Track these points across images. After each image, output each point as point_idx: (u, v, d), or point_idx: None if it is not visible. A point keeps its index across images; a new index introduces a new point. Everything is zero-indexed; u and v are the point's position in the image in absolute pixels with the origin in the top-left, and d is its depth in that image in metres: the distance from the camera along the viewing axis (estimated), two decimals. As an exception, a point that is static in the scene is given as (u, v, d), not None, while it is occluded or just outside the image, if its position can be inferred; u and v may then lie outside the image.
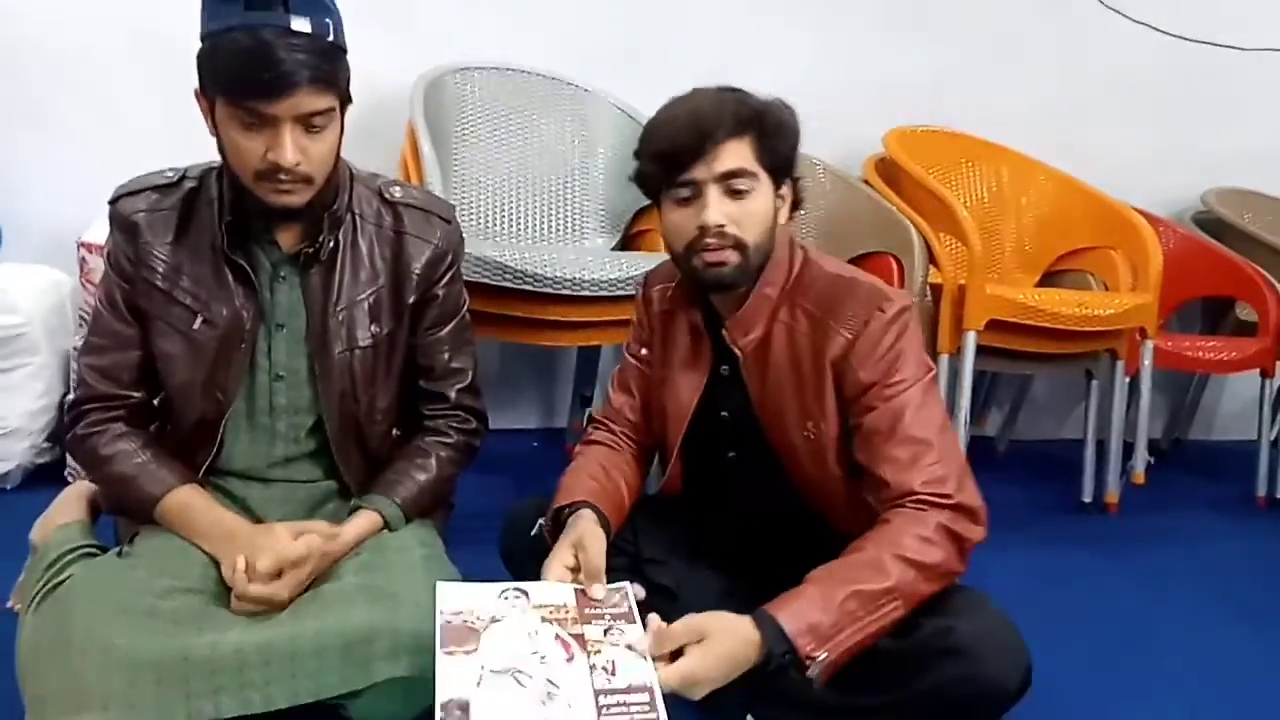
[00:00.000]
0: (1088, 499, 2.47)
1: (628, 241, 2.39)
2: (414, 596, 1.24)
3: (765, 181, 1.28)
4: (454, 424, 1.46)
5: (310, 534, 1.29)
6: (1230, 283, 2.66)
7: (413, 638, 1.20)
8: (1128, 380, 2.42)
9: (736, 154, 1.25)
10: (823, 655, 1.12)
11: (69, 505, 1.44)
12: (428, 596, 1.26)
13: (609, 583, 1.21)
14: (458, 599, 1.16)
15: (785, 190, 1.32)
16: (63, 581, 1.24)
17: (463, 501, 1.57)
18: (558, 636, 1.12)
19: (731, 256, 1.27)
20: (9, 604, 1.43)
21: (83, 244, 1.98)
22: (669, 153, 1.26)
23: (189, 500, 1.32)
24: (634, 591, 1.20)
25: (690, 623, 1.13)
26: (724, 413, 1.41)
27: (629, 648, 1.11)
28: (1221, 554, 2.28)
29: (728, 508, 1.47)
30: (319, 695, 1.19)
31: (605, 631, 1.13)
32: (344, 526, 1.33)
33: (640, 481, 1.48)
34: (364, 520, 1.34)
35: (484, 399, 1.51)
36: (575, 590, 1.20)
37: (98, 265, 1.89)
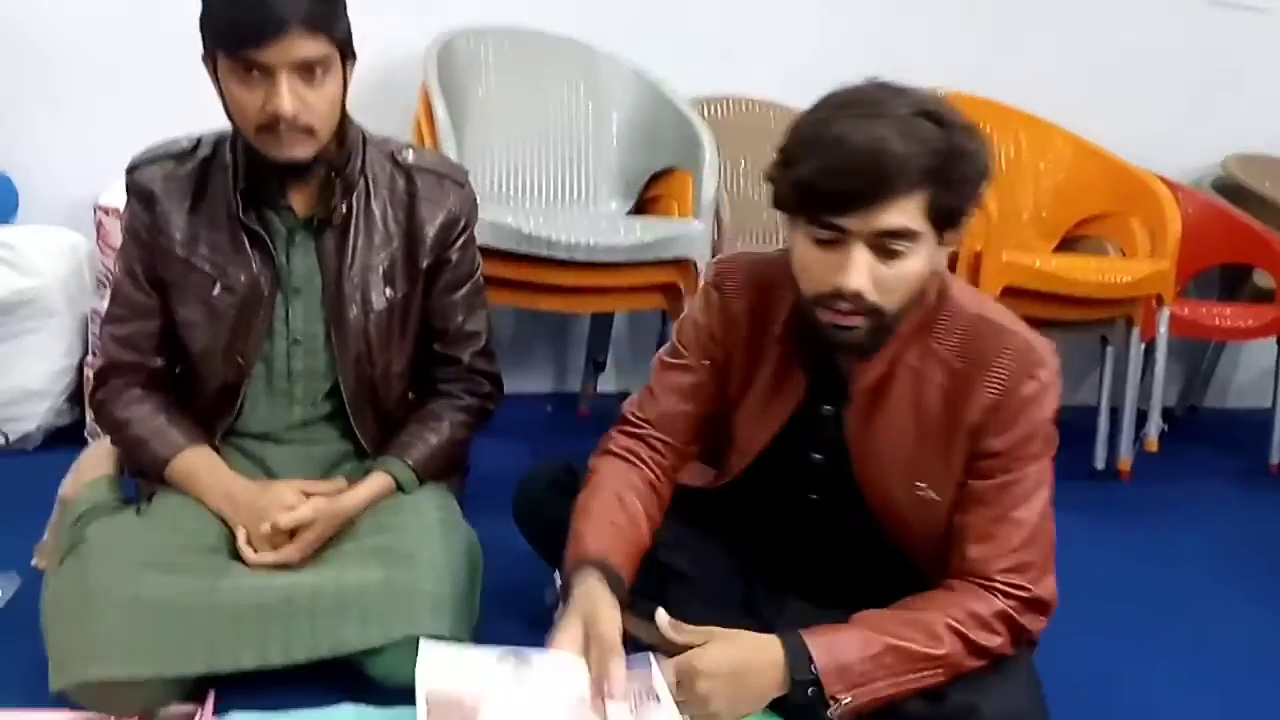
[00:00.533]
0: (1100, 466, 2.46)
1: (642, 205, 2.38)
2: (431, 558, 1.26)
3: (929, 238, 1.07)
4: (468, 387, 1.47)
5: (316, 497, 1.31)
6: (1249, 249, 2.64)
7: (430, 598, 1.23)
8: (1143, 347, 2.41)
9: (904, 212, 1.03)
10: (847, 699, 1.10)
11: (98, 460, 1.46)
12: (444, 558, 1.28)
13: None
14: (444, 666, 1.01)
15: (951, 237, 1.11)
16: (83, 538, 1.26)
17: (477, 465, 1.58)
18: None
19: (865, 323, 1.09)
20: (34, 562, 1.46)
21: (99, 207, 1.98)
22: (825, 193, 1.04)
23: (194, 463, 1.34)
24: (659, 667, 1.08)
25: (709, 628, 1.13)
26: (815, 455, 1.25)
27: None
28: (1233, 524, 2.28)
29: (787, 537, 1.33)
30: (337, 651, 1.21)
31: (631, 712, 0.99)
32: (355, 487, 1.34)
33: (665, 505, 1.30)
34: (375, 481, 1.35)
35: (498, 363, 1.52)
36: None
37: (114, 228, 1.89)
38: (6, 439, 1.97)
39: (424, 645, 1.03)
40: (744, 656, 1.11)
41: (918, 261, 1.07)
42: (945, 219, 1.07)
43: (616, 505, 1.22)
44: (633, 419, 1.31)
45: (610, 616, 1.09)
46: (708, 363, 1.27)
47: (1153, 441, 2.45)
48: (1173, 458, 2.52)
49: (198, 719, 1.19)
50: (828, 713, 1.10)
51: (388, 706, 1.24)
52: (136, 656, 1.15)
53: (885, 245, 1.05)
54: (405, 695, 1.23)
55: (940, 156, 1.03)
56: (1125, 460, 2.44)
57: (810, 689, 1.09)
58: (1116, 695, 1.47)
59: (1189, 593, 1.89)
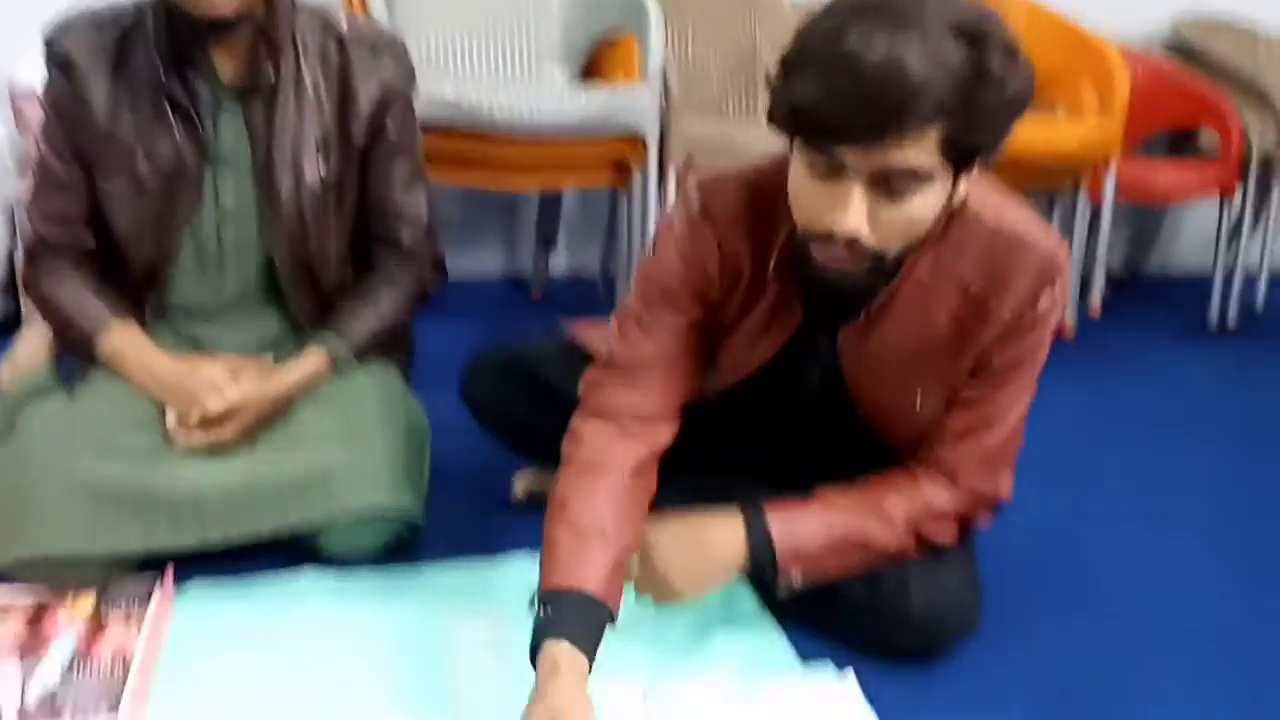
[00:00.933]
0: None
1: (589, 71, 2.31)
2: (371, 432, 1.26)
3: (942, 177, 0.94)
4: (408, 269, 1.44)
5: (246, 381, 1.29)
6: (1196, 111, 2.63)
7: (370, 473, 1.23)
8: (1090, 210, 2.43)
9: (915, 149, 0.89)
10: (796, 578, 1.14)
11: (30, 345, 1.43)
12: (386, 433, 1.29)
13: None
14: None
15: (971, 174, 0.99)
16: (15, 422, 1.25)
17: (426, 347, 1.57)
18: None
19: (861, 266, 0.98)
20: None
21: (13, 91, 1.89)
22: (824, 120, 0.89)
23: (121, 342, 1.32)
24: None
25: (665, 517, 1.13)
26: (806, 374, 1.19)
27: None
28: (1173, 382, 2.34)
29: (767, 446, 1.30)
30: (277, 533, 1.23)
31: None
32: (289, 366, 1.32)
33: (652, 494, 1.16)
34: (310, 360, 1.33)
35: (441, 242, 1.49)
36: None
37: (31, 110, 1.81)
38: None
39: None
40: (700, 531, 1.14)
41: (926, 202, 0.94)
42: (964, 156, 0.93)
43: (609, 515, 1.08)
44: (617, 364, 1.15)
45: (582, 714, 0.96)
46: (698, 303, 1.14)
47: (1096, 304, 2.49)
48: (1115, 320, 2.56)
49: (156, 591, 1.20)
50: (777, 586, 1.14)
51: (345, 571, 1.27)
52: (72, 534, 1.16)
53: (889, 184, 0.91)
54: (358, 565, 1.27)
55: (965, 86, 0.87)
56: (1068, 323, 2.48)
57: (766, 564, 1.12)
58: (1057, 550, 1.52)
59: (1135, 445, 1.94)
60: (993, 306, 1.07)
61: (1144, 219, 3.05)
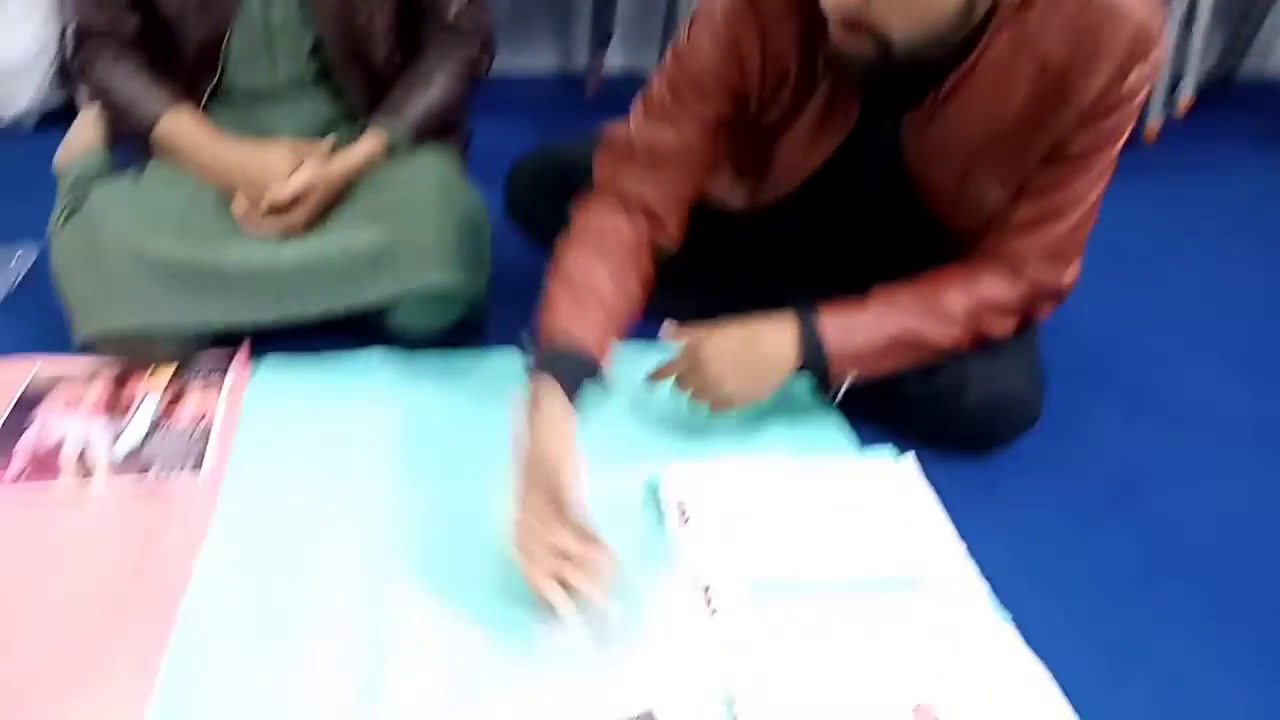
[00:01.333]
0: (1126, 132, 2.37)
1: None
2: (434, 211, 1.25)
3: None
4: (456, 43, 1.39)
5: (311, 164, 1.28)
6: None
7: (436, 250, 1.23)
8: (1185, 5, 2.26)
9: None
10: (851, 378, 1.12)
11: (87, 130, 1.43)
12: (448, 211, 1.27)
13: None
14: None
15: None
16: (85, 201, 1.26)
17: (480, 145, 1.53)
18: None
19: (862, 49, 0.93)
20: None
21: None
22: None
23: (180, 127, 1.31)
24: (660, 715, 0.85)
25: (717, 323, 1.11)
26: (871, 174, 1.12)
27: None
28: (1256, 189, 2.23)
29: (827, 249, 1.25)
30: (352, 306, 1.24)
31: None
32: (349, 149, 1.32)
33: (650, 283, 1.12)
34: (369, 141, 1.32)
35: (489, 19, 1.42)
36: None
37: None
38: (1, 119, 1.93)
39: None
40: (752, 335, 1.12)
41: None
42: None
43: (607, 282, 1.06)
44: (635, 150, 1.12)
45: (569, 460, 0.94)
46: (729, 98, 1.09)
47: (1185, 104, 2.34)
48: (1202, 124, 2.43)
49: (233, 364, 1.24)
50: (831, 387, 1.14)
51: (413, 351, 1.30)
52: (151, 308, 1.18)
53: None
54: (425, 345, 1.29)
55: None
56: (1154, 123, 2.35)
57: (819, 366, 1.11)
58: (1119, 356, 1.49)
59: (1203, 257, 1.88)
60: (1076, 84, 0.99)
61: (1241, 17, 2.83)
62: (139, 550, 0.98)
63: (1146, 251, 1.85)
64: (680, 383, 1.14)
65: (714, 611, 0.93)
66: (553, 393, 0.97)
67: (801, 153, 1.12)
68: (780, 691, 0.85)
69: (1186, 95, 2.38)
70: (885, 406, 1.20)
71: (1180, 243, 1.91)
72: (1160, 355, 1.49)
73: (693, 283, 1.33)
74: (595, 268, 1.07)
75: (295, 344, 1.29)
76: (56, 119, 1.96)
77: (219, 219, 1.28)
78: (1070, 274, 1.14)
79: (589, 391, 1.01)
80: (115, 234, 1.20)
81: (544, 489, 0.91)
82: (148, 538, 0.99)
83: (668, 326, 1.15)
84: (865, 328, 1.11)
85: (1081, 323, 1.38)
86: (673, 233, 1.13)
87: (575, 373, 1.00)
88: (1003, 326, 1.14)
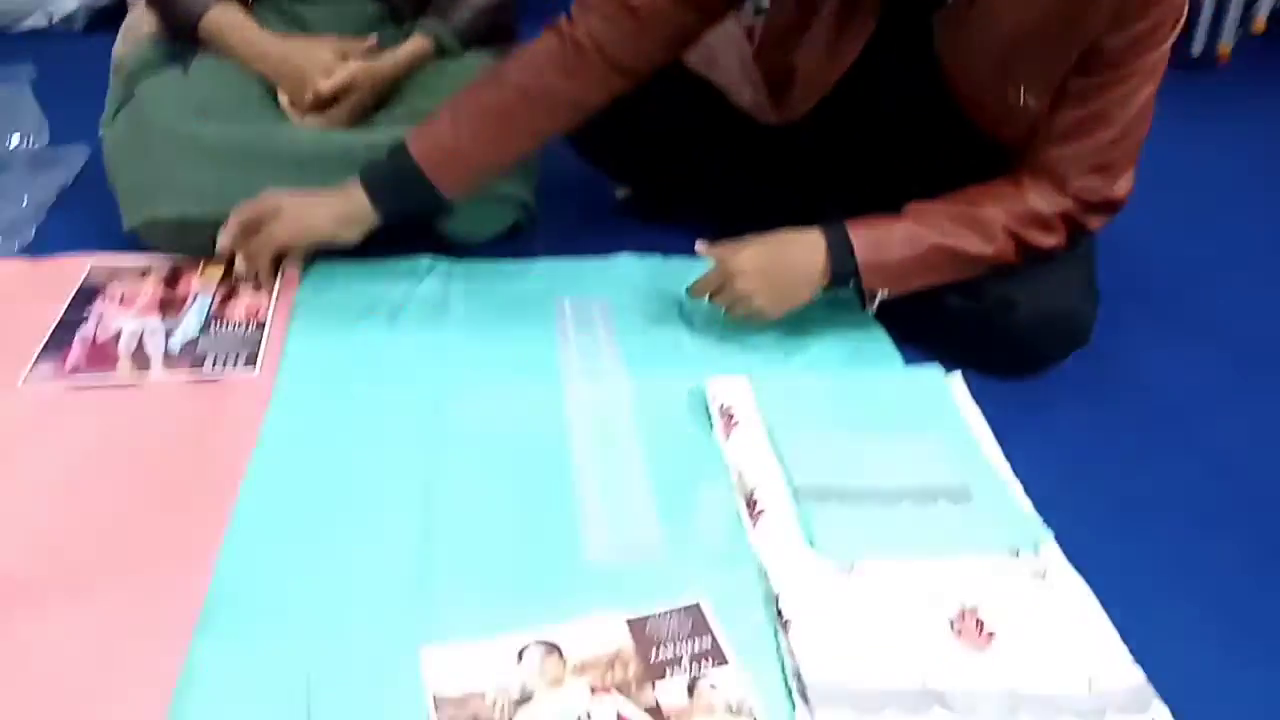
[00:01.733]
0: (1197, 51, 2.27)
1: None
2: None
3: None
4: None
5: (354, 60, 1.28)
6: None
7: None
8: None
9: None
10: (883, 294, 1.10)
11: (140, 20, 1.42)
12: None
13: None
14: (454, 673, 0.76)
15: None
16: (134, 92, 1.27)
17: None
18: (621, 717, 0.74)
19: None
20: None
21: None
22: None
23: (225, 23, 1.30)
24: (706, 607, 0.83)
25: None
26: (902, 78, 1.10)
27: (732, 712, 0.75)
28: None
29: (860, 163, 1.24)
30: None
31: (690, 689, 0.76)
32: (395, 49, 1.31)
33: (553, 131, 1.15)
34: (416, 43, 1.32)
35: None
36: (629, 623, 0.81)
37: None
38: (50, 18, 1.92)
39: (425, 654, 0.78)
40: (782, 247, 1.10)
41: None
42: None
43: (494, 115, 1.10)
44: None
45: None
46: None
47: (1261, 21, 2.24)
48: (1278, 44, 2.32)
49: (284, 265, 1.24)
50: (864, 300, 1.12)
51: (461, 259, 1.30)
52: (201, 196, 1.18)
53: None
54: (475, 251, 1.29)
55: None
56: (1226, 44, 2.25)
57: (850, 280, 1.09)
58: (1175, 283, 1.45)
59: (1275, 181, 1.81)
60: None
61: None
62: (195, 441, 1.00)
63: (1215, 173, 1.78)
64: (715, 297, 1.14)
65: (761, 513, 0.93)
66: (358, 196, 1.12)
67: (824, 59, 1.10)
68: (822, 590, 0.85)
69: (1261, 15, 2.27)
70: (931, 325, 1.18)
71: (1251, 166, 1.84)
72: (1224, 280, 1.45)
73: (728, 199, 1.34)
74: (488, 107, 1.10)
75: (344, 250, 1.28)
76: (105, 19, 1.96)
77: (266, 107, 1.29)
78: (1122, 185, 1.09)
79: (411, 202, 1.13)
80: (165, 121, 1.20)
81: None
82: (203, 428, 1.01)
83: (701, 243, 1.14)
84: (898, 240, 1.09)
85: (1140, 243, 1.33)
86: (610, 89, 1.11)
87: (401, 184, 1.12)
88: (1048, 240, 1.10)
